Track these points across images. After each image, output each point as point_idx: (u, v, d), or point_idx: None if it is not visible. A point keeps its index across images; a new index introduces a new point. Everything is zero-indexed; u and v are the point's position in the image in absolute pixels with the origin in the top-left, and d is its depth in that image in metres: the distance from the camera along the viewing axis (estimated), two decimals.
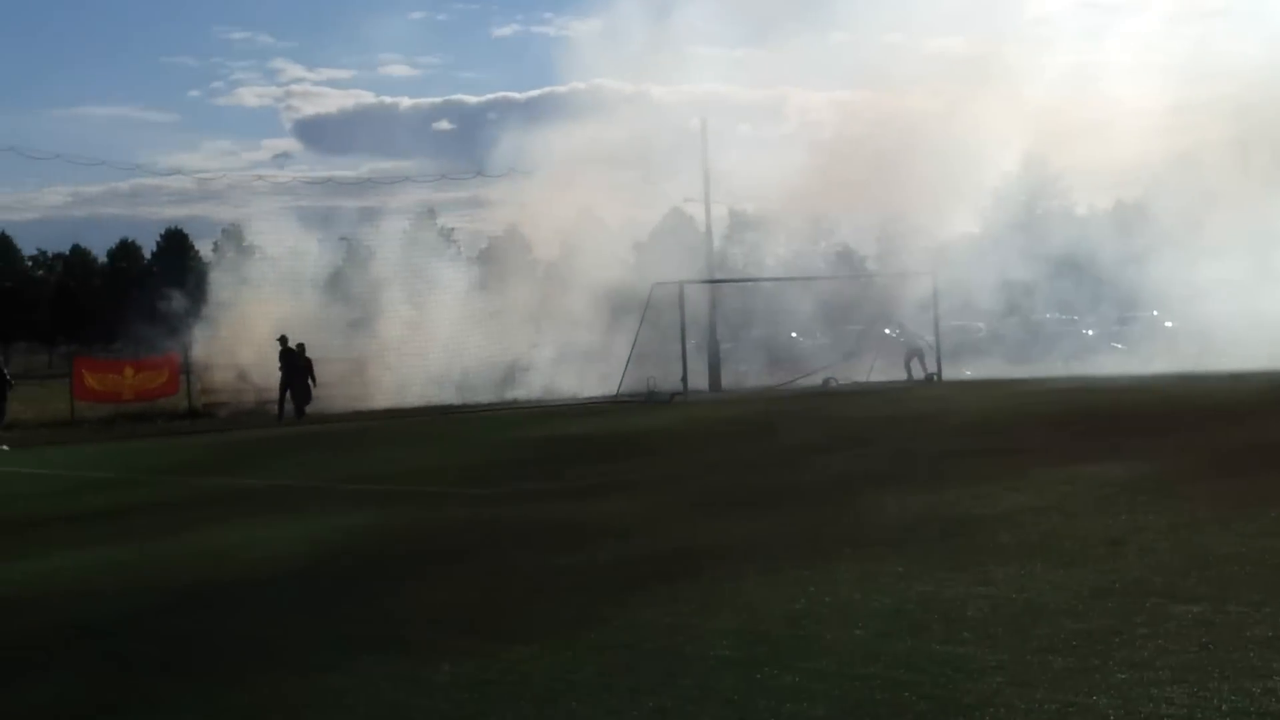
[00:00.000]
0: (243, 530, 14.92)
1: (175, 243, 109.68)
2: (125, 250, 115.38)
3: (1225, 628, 8.20)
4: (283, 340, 37.96)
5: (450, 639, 9.04)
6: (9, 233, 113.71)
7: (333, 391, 39.67)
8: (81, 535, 15.35)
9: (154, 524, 15.93)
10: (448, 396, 42.11)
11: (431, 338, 43.49)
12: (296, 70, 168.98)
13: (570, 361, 44.15)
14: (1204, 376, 33.14)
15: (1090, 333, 51.07)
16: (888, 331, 48.03)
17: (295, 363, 37.89)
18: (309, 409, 37.82)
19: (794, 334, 49.55)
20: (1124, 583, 9.55)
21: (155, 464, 25.27)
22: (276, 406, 37.88)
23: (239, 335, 39.36)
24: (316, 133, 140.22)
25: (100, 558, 13.47)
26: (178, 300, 43.32)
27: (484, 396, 42.39)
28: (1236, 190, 44.58)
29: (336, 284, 45.10)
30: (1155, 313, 50.35)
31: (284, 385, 37.72)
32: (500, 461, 22.14)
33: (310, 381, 37.87)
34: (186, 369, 41.03)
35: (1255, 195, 43.65)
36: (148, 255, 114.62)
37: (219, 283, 43.46)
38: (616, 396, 39.23)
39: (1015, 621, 8.65)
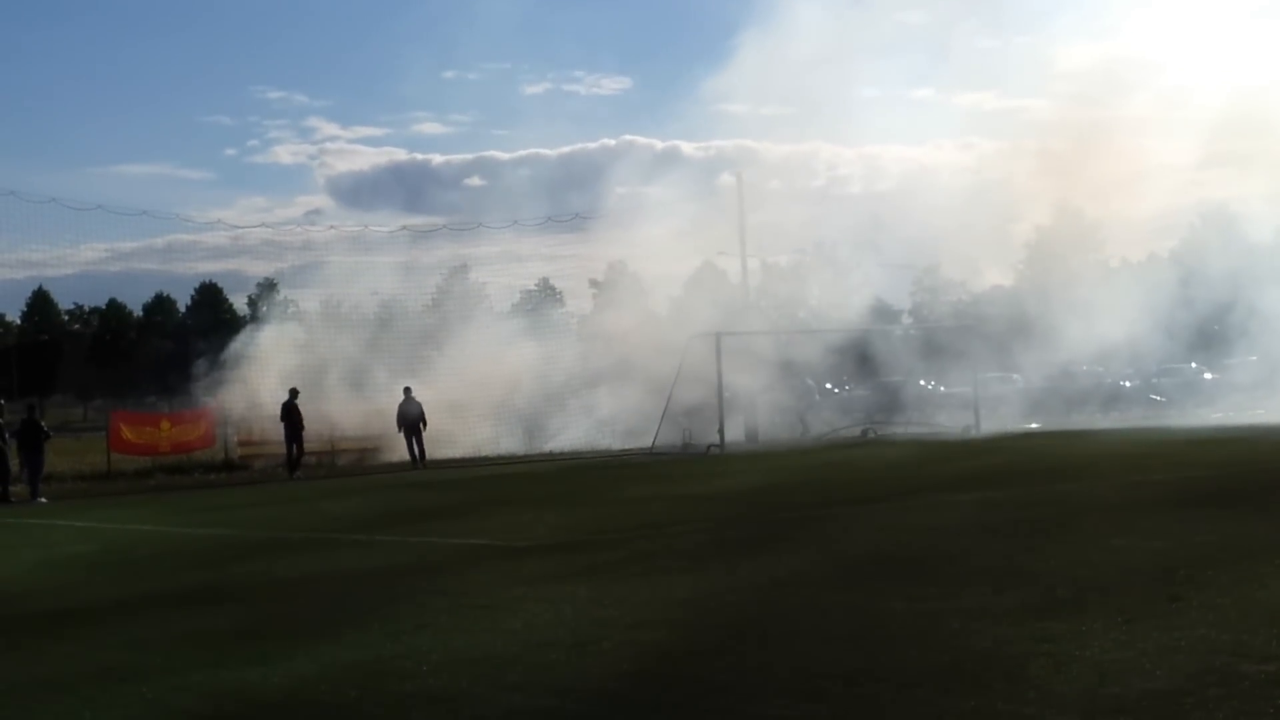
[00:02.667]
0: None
1: (209, 296, 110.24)
2: (160, 304, 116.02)
3: None
4: (292, 394, 38.10)
5: None
6: (47, 288, 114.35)
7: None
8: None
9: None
10: (476, 448, 42.18)
11: (470, 390, 43.55)
12: (331, 128, 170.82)
13: (597, 415, 44.10)
14: None
15: (1127, 384, 50.69)
16: (922, 383, 47.80)
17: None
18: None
19: (829, 385, 49.35)
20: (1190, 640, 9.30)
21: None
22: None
23: (272, 387, 39.28)
24: (349, 189, 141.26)
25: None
26: (212, 353, 43.40)
27: (515, 447, 42.38)
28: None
29: (376, 336, 45.22)
30: (1194, 365, 49.97)
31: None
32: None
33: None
34: (223, 422, 41.04)
35: None
36: (182, 309, 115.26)
37: (254, 336, 43.52)
38: (652, 449, 39.05)
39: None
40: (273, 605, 13.43)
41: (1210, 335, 44.37)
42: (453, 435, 42.66)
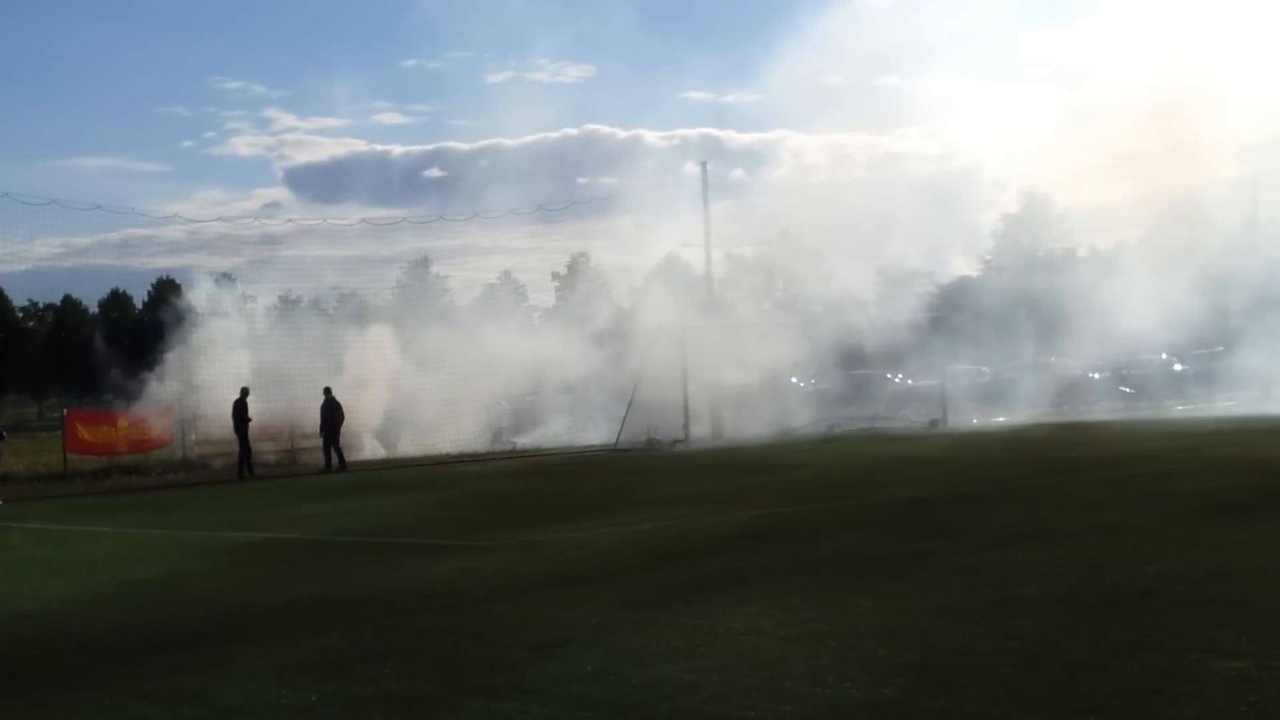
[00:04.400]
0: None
1: (167, 292, 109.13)
2: (116, 300, 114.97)
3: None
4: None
5: None
6: (0, 284, 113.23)
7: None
8: None
9: None
10: (441, 445, 41.87)
11: (429, 386, 43.26)
12: (289, 119, 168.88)
13: (560, 410, 43.95)
14: None
15: (1096, 376, 50.78)
16: (889, 376, 47.82)
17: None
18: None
19: (794, 379, 49.27)
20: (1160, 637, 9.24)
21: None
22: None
23: (230, 384, 38.76)
24: (307, 181, 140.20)
25: None
26: (169, 350, 42.74)
27: (477, 445, 42.13)
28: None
29: (331, 331, 44.83)
30: (1164, 356, 50.12)
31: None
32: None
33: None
34: (181, 420, 40.50)
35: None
36: (139, 305, 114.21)
37: (211, 332, 42.91)
38: (616, 445, 38.89)
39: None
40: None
41: (1179, 325, 44.39)
42: (414, 433, 42.39)
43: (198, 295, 44.70)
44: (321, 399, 37.48)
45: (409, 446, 42.07)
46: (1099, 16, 77.42)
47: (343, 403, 37.70)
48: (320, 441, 37.59)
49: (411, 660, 9.98)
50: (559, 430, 43.86)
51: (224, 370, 39.76)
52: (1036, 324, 49.09)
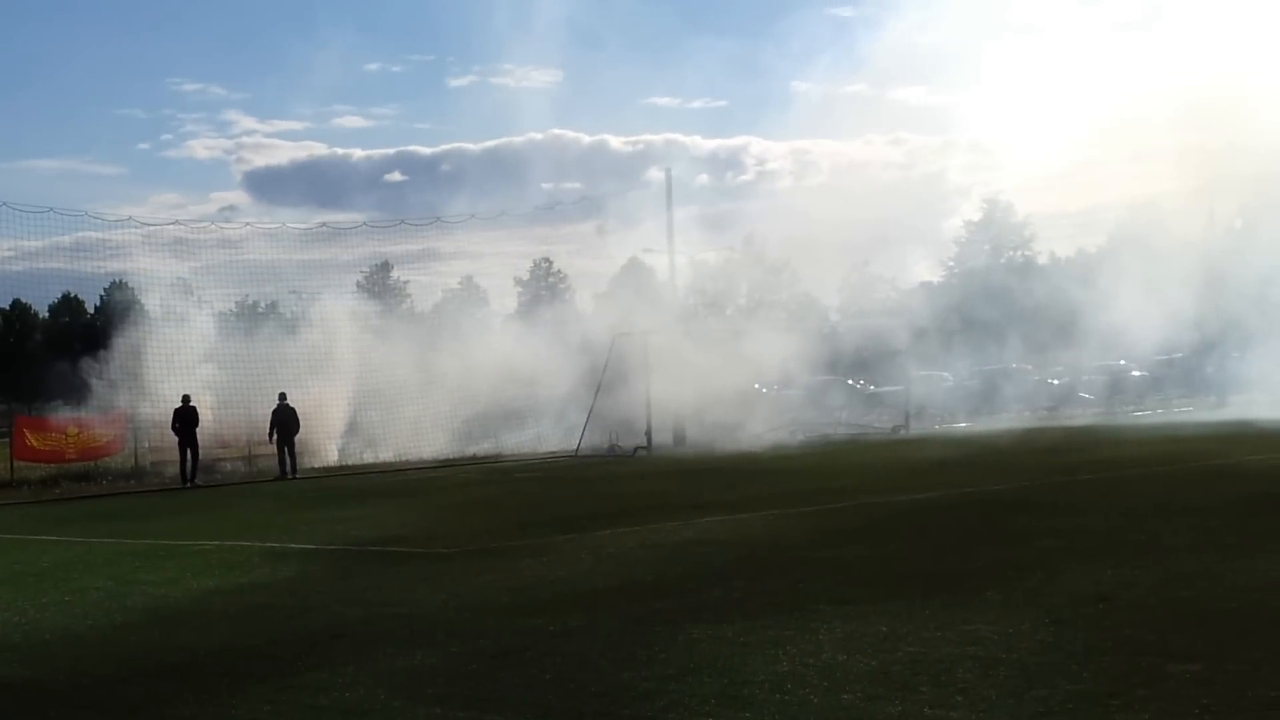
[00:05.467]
0: None
1: (119, 296, 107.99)
2: (67, 305, 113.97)
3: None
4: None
5: None
6: None
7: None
8: None
9: None
10: (401, 453, 41.68)
11: (389, 393, 43.08)
12: (249, 122, 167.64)
13: (521, 416, 43.83)
14: None
15: (1056, 382, 51.06)
16: (850, 382, 47.88)
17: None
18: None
19: (757, 384, 49.27)
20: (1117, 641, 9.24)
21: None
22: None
23: (182, 390, 38.35)
24: (266, 185, 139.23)
25: None
26: (121, 355, 42.16)
27: (437, 452, 41.96)
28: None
29: (288, 337, 44.53)
30: (1122, 361, 50.44)
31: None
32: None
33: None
34: (132, 427, 40.00)
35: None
36: (91, 309, 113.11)
37: (164, 337, 42.43)
38: (577, 453, 38.83)
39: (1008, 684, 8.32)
40: None
41: (1137, 331, 44.67)
42: (372, 440, 42.20)
43: (151, 300, 44.28)
44: (275, 405, 37.28)
45: (367, 454, 41.86)
46: (1063, 27, 77.96)
47: (300, 409, 37.44)
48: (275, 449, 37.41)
49: (366, 669, 9.87)
50: (520, 437, 43.75)
51: (177, 376, 39.38)
52: (999, 330, 49.31)
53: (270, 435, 37.18)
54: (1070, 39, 74.52)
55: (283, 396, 37.41)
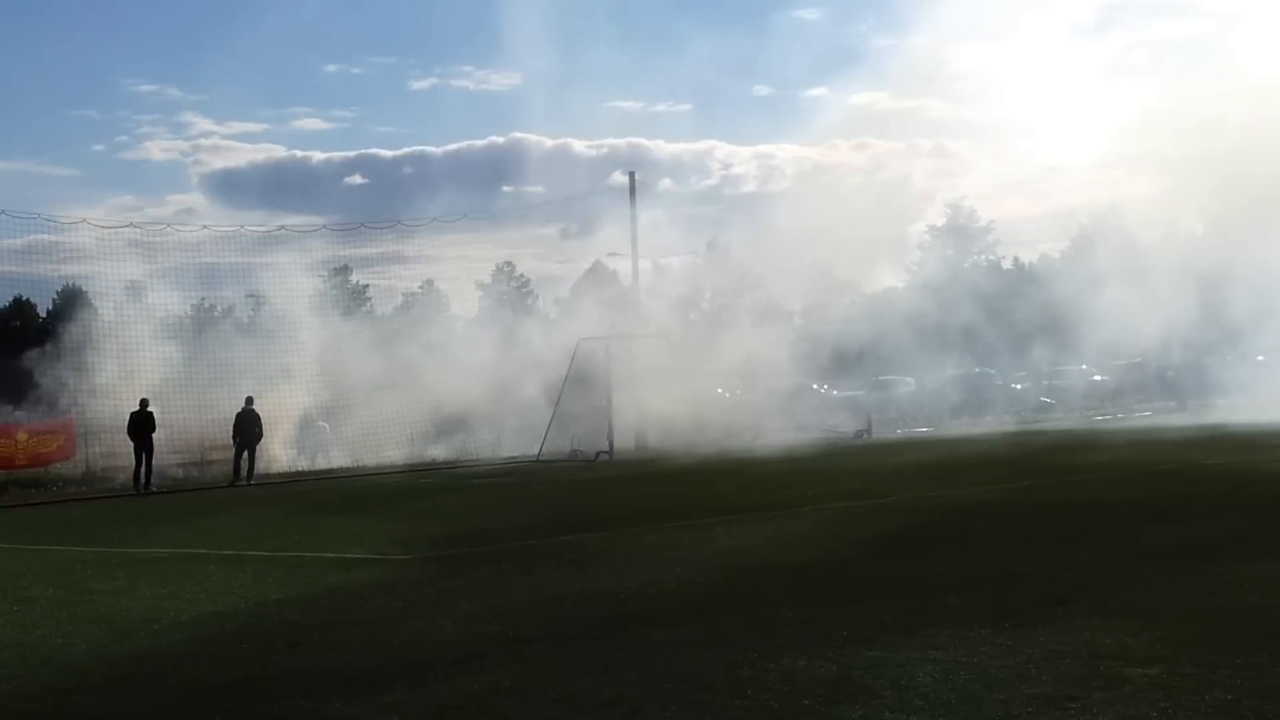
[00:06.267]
0: None
1: (72, 301, 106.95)
2: (19, 308, 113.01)
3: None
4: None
5: None
6: None
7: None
8: None
9: None
10: (359, 458, 41.45)
11: (348, 397, 42.86)
12: (206, 124, 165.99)
13: (481, 421, 43.67)
14: None
15: (1018, 386, 51.29)
16: (815, 387, 47.93)
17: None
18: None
19: (719, 389, 49.30)
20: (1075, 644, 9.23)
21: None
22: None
23: (137, 394, 37.97)
24: (224, 187, 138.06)
25: None
26: (73, 359, 41.63)
27: (396, 457, 41.75)
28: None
29: (250, 340, 44.23)
30: (1084, 366, 50.70)
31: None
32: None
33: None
34: (84, 433, 39.54)
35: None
36: (43, 314, 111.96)
37: (118, 341, 41.95)
38: (539, 457, 38.72)
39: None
40: None
41: (1099, 336, 44.91)
42: (330, 445, 41.99)
43: (105, 303, 43.90)
44: (240, 408, 37.06)
45: (324, 459, 41.61)
46: (1024, 33, 78.37)
47: (258, 414, 37.28)
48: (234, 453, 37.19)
49: (323, 677, 9.78)
50: (481, 442, 43.58)
51: (131, 381, 39.01)
52: (963, 336, 49.46)
53: (234, 437, 36.99)
54: (1030, 44, 74.98)
55: (249, 400, 37.23)
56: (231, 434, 36.96)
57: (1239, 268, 40.80)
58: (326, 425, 42.68)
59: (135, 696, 9.58)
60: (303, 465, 40.81)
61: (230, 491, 33.90)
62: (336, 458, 41.65)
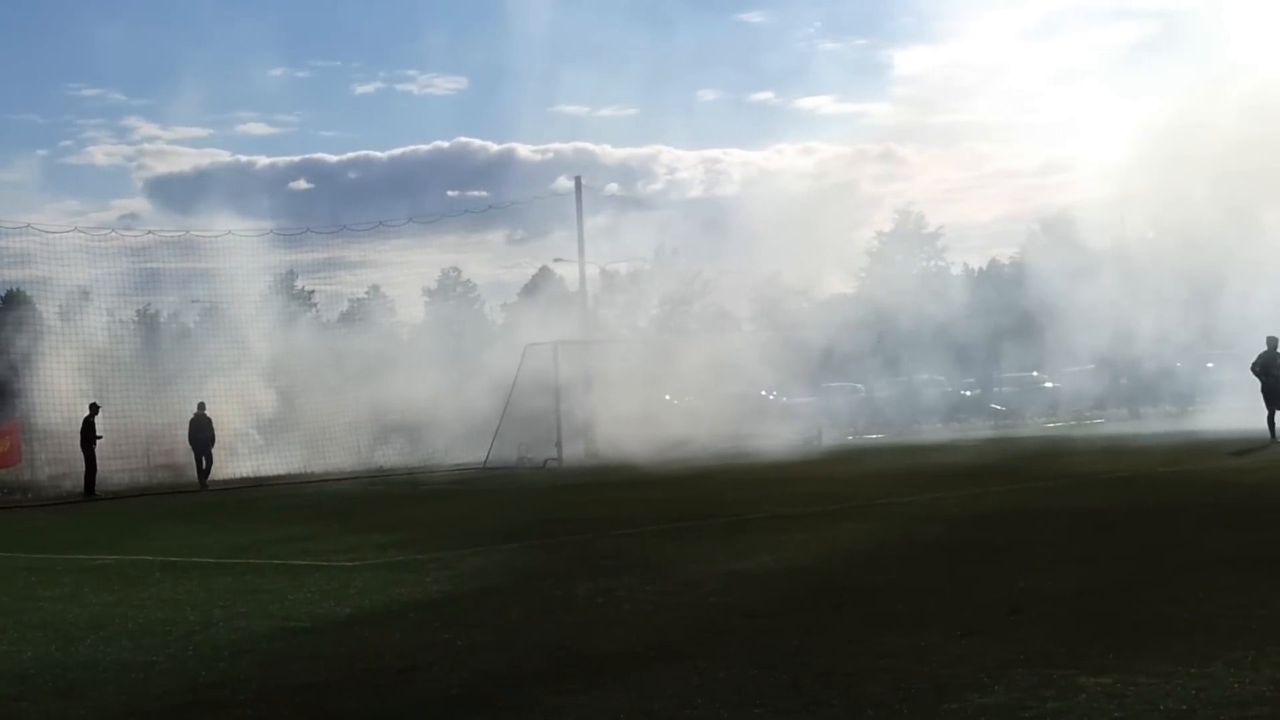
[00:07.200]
0: None
1: (16, 306, 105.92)
2: None
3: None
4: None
5: None
6: None
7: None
8: None
9: None
10: (308, 464, 41.21)
11: (291, 403, 42.62)
12: (150, 129, 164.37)
13: (429, 427, 43.50)
14: None
15: (968, 393, 51.50)
16: (764, 394, 47.94)
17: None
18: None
19: (667, 397, 49.26)
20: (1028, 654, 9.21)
21: None
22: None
23: (82, 400, 37.64)
24: (169, 192, 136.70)
25: None
26: (18, 365, 41.15)
27: (344, 464, 41.50)
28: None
29: (195, 345, 43.94)
30: (1034, 373, 50.97)
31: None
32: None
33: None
34: (30, 439, 39.12)
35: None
36: None
37: (64, 347, 41.50)
38: (486, 464, 38.56)
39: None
40: None
41: (1051, 343, 45.18)
42: (274, 450, 41.75)
43: (49, 308, 43.50)
44: (193, 414, 37.01)
45: (271, 465, 41.35)
46: (971, 37, 78.94)
47: (209, 418, 37.15)
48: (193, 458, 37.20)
49: (270, 684, 9.66)
50: (428, 448, 43.42)
51: (77, 386, 38.70)
52: (912, 342, 49.63)
53: (191, 442, 37.08)
54: (977, 48, 75.49)
55: (201, 406, 37.23)
56: (189, 439, 37.08)
57: (1190, 274, 41.05)
58: (255, 432, 42.47)
59: (82, 704, 9.42)
60: (246, 471, 40.58)
61: (177, 498, 33.59)
62: (283, 464, 41.39)
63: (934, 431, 43.67)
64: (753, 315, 54.83)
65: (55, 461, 38.64)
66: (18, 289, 61.91)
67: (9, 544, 22.86)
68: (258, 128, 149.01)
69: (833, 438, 42.18)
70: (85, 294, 45.01)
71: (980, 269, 70.20)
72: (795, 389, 48.38)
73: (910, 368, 51.76)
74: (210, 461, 37.31)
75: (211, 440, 37.26)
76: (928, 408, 48.76)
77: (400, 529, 21.54)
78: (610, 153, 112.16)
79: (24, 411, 39.62)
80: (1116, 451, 30.58)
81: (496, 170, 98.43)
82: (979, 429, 44.64)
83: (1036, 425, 45.61)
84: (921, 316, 47.67)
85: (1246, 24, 45.93)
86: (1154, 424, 42.04)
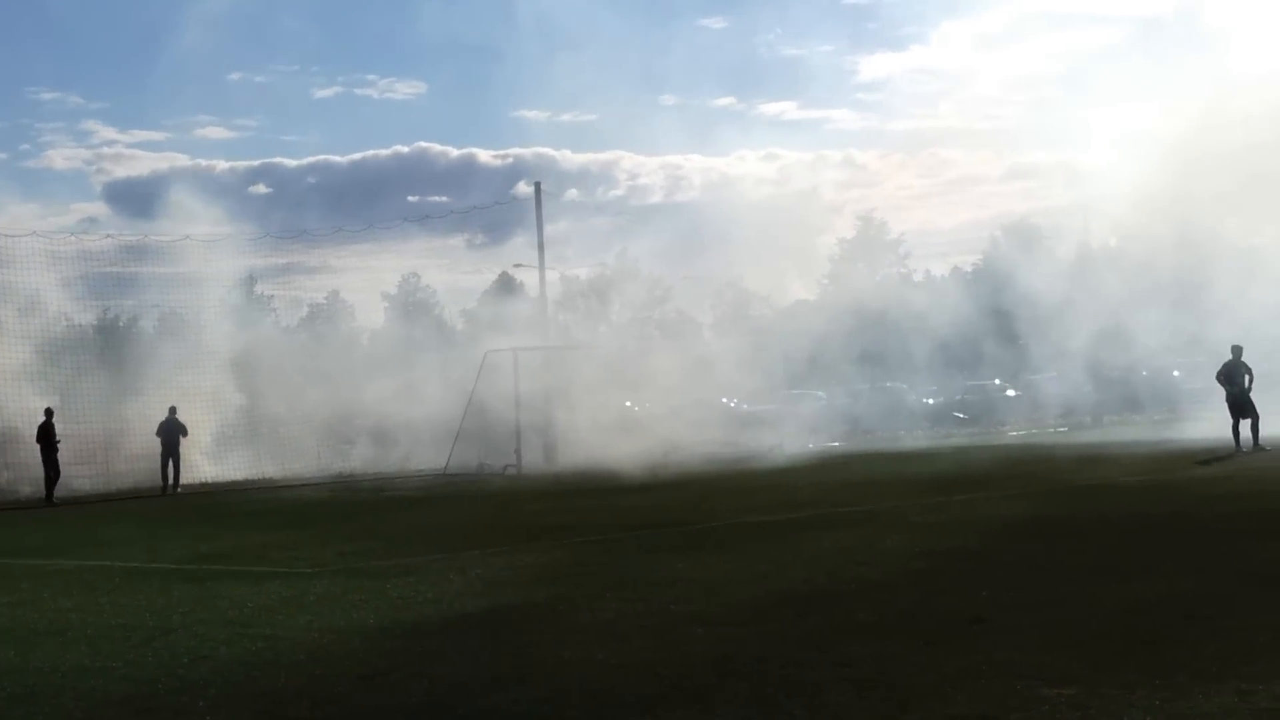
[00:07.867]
0: None
1: None
2: None
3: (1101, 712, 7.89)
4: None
5: None
6: None
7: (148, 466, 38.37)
8: None
9: None
10: (268, 470, 40.98)
11: (251, 409, 42.42)
12: (109, 132, 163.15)
13: (388, 433, 43.35)
14: None
15: (930, 401, 51.65)
16: (726, 401, 47.97)
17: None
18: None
19: (628, 403, 49.21)
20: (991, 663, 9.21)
21: None
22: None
23: (40, 406, 37.28)
24: (127, 196, 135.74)
25: None
26: None
27: (304, 470, 41.27)
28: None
29: (150, 354, 43.66)
30: (997, 381, 51.17)
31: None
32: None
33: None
34: None
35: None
36: None
37: (21, 350, 41.10)
38: (445, 470, 38.43)
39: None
40: None
41: (1014, 351, 45.39)
42: (233, 456, 41.54)
43: (7, 311, 43.11)
44: (164, 418, 37.01)
45: (231, 471, 41.14)
46: (932, 44, 79.41)
47: (180, 422, 37.19)
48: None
49: (229, 690, 9.57)
50: (388, 455, 43.26)
51: (35, 391, 38.43)
52: (874, 349, 49.78)
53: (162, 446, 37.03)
54: (938, 55, 75.92)
55: (172, 410, 37.23)
56: (162, 442, 37.04)
57: (1156, 280, 41.19)
58: (208, 438, 42.30)
59: (40, 710, 9.32)
60: (207, 477, 40.41)
61: (136, 503, 33.38)
62: (243, 469, 41.19)
63: (896, 439, 43.71)
64: (714, 322, 54.90)
65: (12, 466, 38.34)
66: None
67: None
68: (217, 132, 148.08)
69: (795, 445, 42.17)
70: (43, 298, 44.65)
71: (943, 276, 70.49)
72: (757, 396, 48.41)
73: (874, 375, 51.91)
74: (178, 466, 37.26)
75: (179, 443, 37.23)
76: (891, 416, 48.85)
77: (360, 536, 21.44)
78: (571, 158, 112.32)
79: None
80: (1082, 460, 30.65)
81: (457, 175, 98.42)
82: (941, 437, 44.68)
83: (999, 433, 45.73)
84: (885, 324, 47.83)
85: (1210, 30, 46.31)
86: (1118, 432, 42.24)
